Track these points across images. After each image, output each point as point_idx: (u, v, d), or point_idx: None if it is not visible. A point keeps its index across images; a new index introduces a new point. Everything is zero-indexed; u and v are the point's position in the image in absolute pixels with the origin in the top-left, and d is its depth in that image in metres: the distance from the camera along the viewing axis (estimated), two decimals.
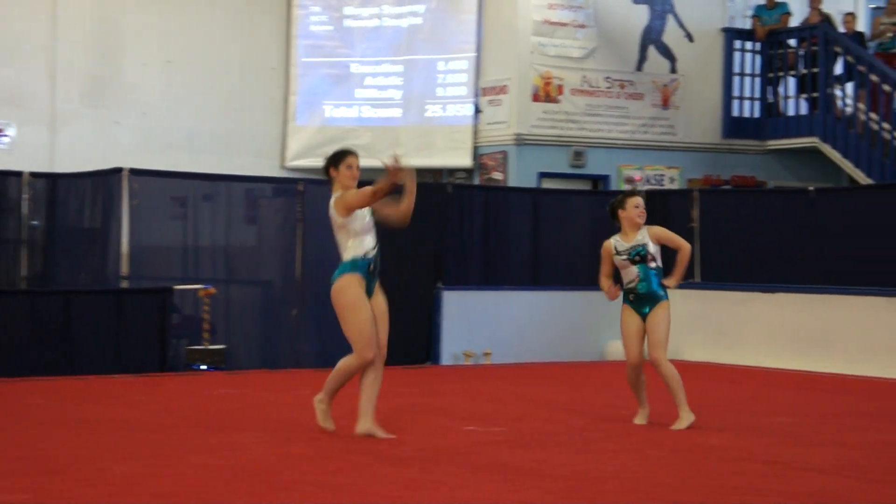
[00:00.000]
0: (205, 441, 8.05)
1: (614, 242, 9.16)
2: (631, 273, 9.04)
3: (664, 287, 9.00)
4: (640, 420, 9.17)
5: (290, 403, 10.38)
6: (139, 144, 16.21)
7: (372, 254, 8.23)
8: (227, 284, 13.47)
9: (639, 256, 8.99)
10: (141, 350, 12.55)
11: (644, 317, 9.03)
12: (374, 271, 8.24)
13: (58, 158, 15.71)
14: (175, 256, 13.43)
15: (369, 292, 8.21)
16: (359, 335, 8.10)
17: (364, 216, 8.25)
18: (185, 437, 8.26)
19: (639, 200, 9.14)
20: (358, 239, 8.20)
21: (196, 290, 13.08)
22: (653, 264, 9.00)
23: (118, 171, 13.19)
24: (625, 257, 9.05)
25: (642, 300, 9.01)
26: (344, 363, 8.25)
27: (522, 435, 8.57)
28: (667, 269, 9.07)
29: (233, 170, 14.93)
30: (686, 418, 8.91)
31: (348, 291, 8.13)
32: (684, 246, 9.02)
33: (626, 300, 9.13)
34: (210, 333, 13.00)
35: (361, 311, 8.11)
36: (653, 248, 9.02)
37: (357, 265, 8.16)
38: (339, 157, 8.38)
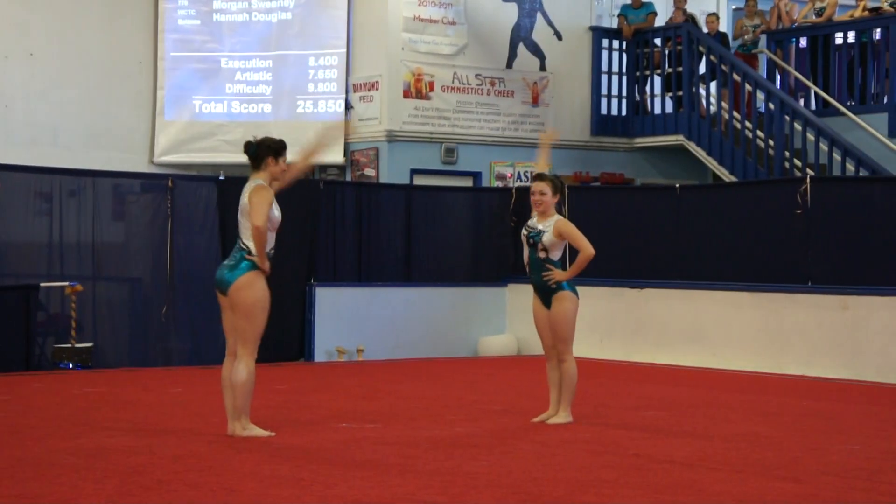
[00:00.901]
0: (71, 442, 7.90)
1: (530, 220, 9.00)
2: (525, 256, 8.99)
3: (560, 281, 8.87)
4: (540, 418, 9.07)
5: (157, 402, 10.25)
6: (2, 139, 15.84)
7: (272, 251, 8.09)
8: (94, 282, 13.27)
9: (532, 240, 8.88)
10: (5, 349, 12.30)
11: (548, 307, 8.93)
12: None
13: None
14: (40, 253, 13.17)
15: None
16: (259, 335, 7.96)
17: (279, 212, 8.07)
18: (50, 437, 8.09)
19: (535, 186, 8.94)
20: (269, 234, 8.00)
21: (62, 287, 12.85)
22: (542, 254, 8.85)
23: None
24: (525, 233, 8.96)
25: (537, 289, 8.94)
26: (244, 373, 7.89)
27: (394, 432, 8.59)
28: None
29: (100, 165, 14.67)
30: (564, 417, 8.97)
31: (257, 288, 7.93)
32: (585, 249, 8.80)
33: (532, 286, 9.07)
34: (77, 331, 12.79)
35: (267, 311, 7.98)
36: (547, 239, 8.81)
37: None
38: (282, 149, 8.12)
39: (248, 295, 7.91)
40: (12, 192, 12.95)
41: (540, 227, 8.89)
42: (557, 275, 8.87)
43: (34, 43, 16.34)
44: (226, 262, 8.12)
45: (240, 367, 7.94)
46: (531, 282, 9.02)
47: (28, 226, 13.14)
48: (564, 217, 9.09)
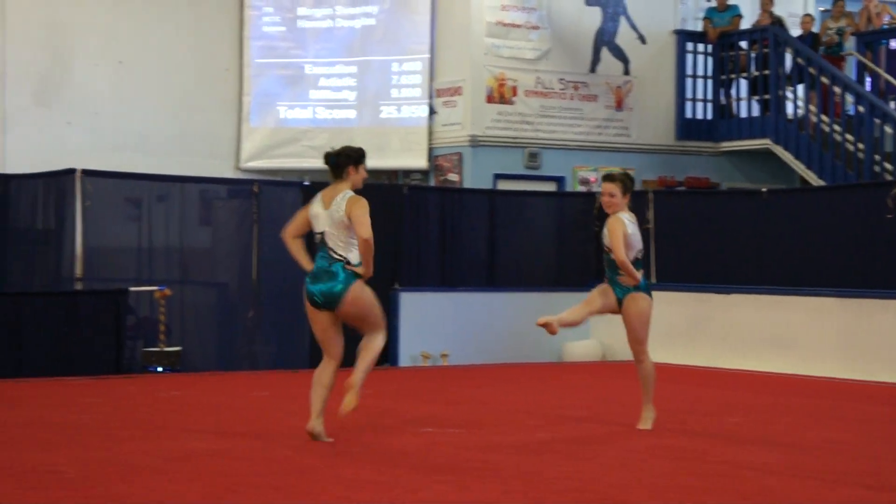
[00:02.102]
0: (158, 444, 8.03)
1: (625, 217, 8.83)
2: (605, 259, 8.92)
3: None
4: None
5: (243, 405, 10.37)
6: (91, 145, 16.12)
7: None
8: (182, 286, 13.44)
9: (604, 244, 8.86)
10: (96, 352, 12.49)
11: (619, 302, 8.84)
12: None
13: (9, 159, 15.60)
14: (130, 258, 13.38)
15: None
16: (382, 317, 8.32)
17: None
18: (138, 439, 8.23)
19: (605, 187, 8.84)
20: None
21: (151, 291, 13.04)
22: (611, 255, 8.76)
23: (71, 171, 13.13)
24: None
25: (612, 284, 8.87)
26: (380, 342, 8.29)
27: (477, 436, 8.60)
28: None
29: (187, 171, 14.89)
30: (648, 414, 8.91)
31: (367, 290, 8.19)
32: (617, 252, 8.63)
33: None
34: (165, 335, 12.97)
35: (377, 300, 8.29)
36: (605, 239, 8.78)
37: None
38: (362, 157, 8.23)
39: (364, 299, 8.12)
40: (102, 197, 13.17)
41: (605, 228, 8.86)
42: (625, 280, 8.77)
43: (123, 51, 16.62)
44: (317, 274, 8.09)
45: (377, 337, 8.26)
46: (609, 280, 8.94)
47: (117, 231, 13.35)
48: (630, 215, 8.87)
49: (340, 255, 8.03)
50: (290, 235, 8.35)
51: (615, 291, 8.86)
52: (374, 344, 8.25)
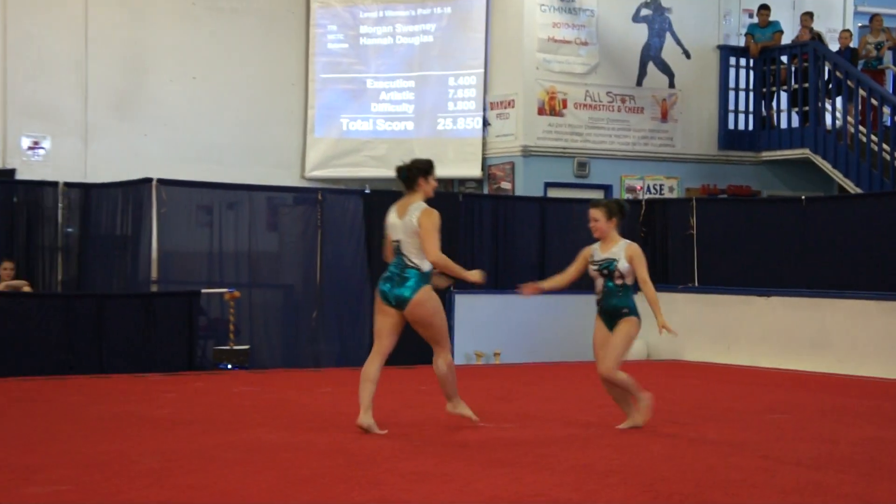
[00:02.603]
0: (229, 436, 8.10)
1: (593, 250, 8.63)
2: (598, 285, 8.58)
3: (632, 305, 8.51)
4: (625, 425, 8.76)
5: (308, 401, 10.44)
6: (166, 156, 16.28)
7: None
8: (250, 288, 13.54)
9: (607, 270, 8.51)
10: (170, 350, 12.63)
11: (611, 329, 8.57)
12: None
13: (90, 169, 15.79)
14: (201, 262, 13.50)
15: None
16: (446, 333, 8.36)
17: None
18: (211, 432, 8.31)
19: (590, 213, 8.57)
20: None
21: (222, 293, 13.15)
22: (619, 281, 8.48)
23: (147, 181, 13.28)
24: (595, 268, 8.57)
25: (607, 314, 8.55)
26: (443, 367, 8.39)
27: (530, 431, 8.60)
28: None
29: (255, 180, 15.03)
30: (636, 418, 8.70)
31: (433, 299, 8.23)
32: (648, 290, 8.39)
33: (597, 311, 8.66)
34: (235, 335, 13.07)
35: (443, 312, 8.37)
36: (623, 266, 8.45)
37: (430, 276, 8.26)
38: (431, 168, 8.32)
39: (426, 308, 8.16)
40: (176, 205, 13.30)
41: (608, 255, 8.52)
42: (660, 323, 8.47)
43: (196, 67, 16.77)
44: (389, 277, 8.19)
45: (438, 362, 8.36)
46: (600, 311, 8.59)
47: (191, 236, 13.49)
48: (637, 242, 8.78)
49: (414, 263, 8.10)
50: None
51: (608, 323, 8.56)
52: (441, 372, 8.43)
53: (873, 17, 17.28)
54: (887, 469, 7.21)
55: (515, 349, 14.48)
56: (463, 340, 14.24)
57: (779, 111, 17.53)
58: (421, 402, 10.18)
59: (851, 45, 17.20)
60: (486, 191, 16.68)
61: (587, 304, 14.85)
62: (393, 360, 13.88)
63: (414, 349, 11.80)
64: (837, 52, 16.92)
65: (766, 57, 17.42)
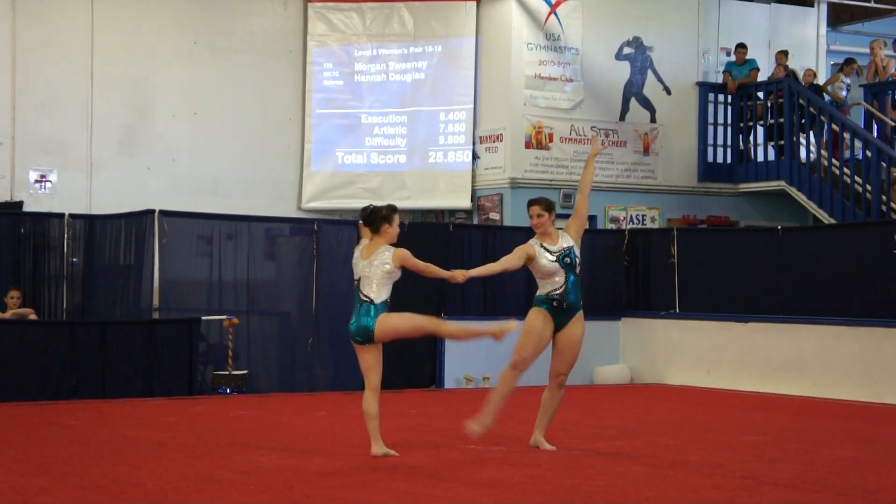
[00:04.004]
0: (228, 459, 8.05)
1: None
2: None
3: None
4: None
5: (304, 425, 10.38)
6: (168, 188, 16.26)
7: (556, 293, 8.40)
8: (248, 315, 13.50)
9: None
10: (171, 375, 12.56)
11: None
12: (558, 307, 8.41)
13: (95, 201, 15.74)
14: (201, 290, 13.45)
15: (561, 324, 8.46)
16: (519, 348, 8.56)
17: (549, 260, 8.36)
18: (210, 455, 8.25)
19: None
20: (543, 280, 8.44)
21: (221, 320, 13.11)
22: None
23: (150, 212, 13.25)
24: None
25: (566, 311, 8.36)
26: (441, 330, 8.63)
27: (518, 453, 8.56)
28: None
29: (254, 211, 14.98)
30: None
31: (528, 318, 8.51)
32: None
33: (546, 306, 8.38)
34: (234, 360, 13.01)
35: (529, 335, 8.50)
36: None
37: (539, 301, 8.47)
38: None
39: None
40: (178, 235, 13.28)
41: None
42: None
43: (198, 103, 16.77)
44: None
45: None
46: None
47: (191, 265, 13.45)
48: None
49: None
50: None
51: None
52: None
53: (848, 62, 17.37)
54: (862, 489, 7.18)
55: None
56: (453, 365, 14.19)
57: (756, 145, 17.57)
58: (411, 425, 10.12)
59: (816, 82, 17.30)
60: (475, 221, 16.66)
61: None
62: (387, 384, 13.85)
63: (405, 373, 11.76)
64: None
65: (743, 93, 17.47)
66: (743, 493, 6.92)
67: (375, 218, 8.26)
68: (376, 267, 8.13)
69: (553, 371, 8.60)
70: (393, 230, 8.28)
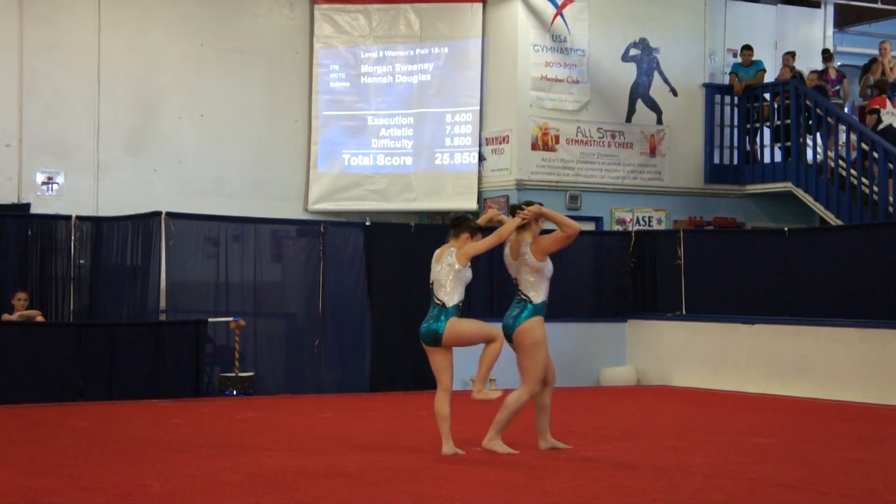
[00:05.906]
0: (234, 461, 8.06)
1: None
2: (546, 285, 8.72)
3: None
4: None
5: (310, 426, 10.40)
6: (175, 190, 16.28)
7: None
8: (255, 317, 13.51)
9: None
10: (177, 377, 12.59)
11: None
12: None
13: (102, 203, 15.77)
14: (208, 291, 13.47)
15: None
16: (536, 371, 8.59)
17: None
18: (217, 456, 8.27)
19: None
20: (545, 283, 8.59)
21: (227, 322, 13.13)
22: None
23: (156, 214, 13.27)
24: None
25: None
26: (514, 398, 8.58)
27: (524, 454, 8.56)
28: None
29: (260, 213, 15.02)
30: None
31: (537, 331, 8.54)
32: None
33: (545, 313, 8.62)
34: (240, 362, 13.03)
35: (544, 350, 8.58)
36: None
37: (544, 308, 8.56)
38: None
39: (527, 337, 8.57)
40: (184, 237, 13.30)
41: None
42: None
43: (204, 105, 16.79)
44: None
45: (513, 393, 8.58)
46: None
47: (198, 267, 13.46)
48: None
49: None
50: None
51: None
52: (513, 397, 8.68)
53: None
54: (868, 490, 7.18)
55: (511, 375, 14.39)
56: (459, 367, 14.08)
57: (762, 146, 17.56)
58: (419, 427, 10.14)
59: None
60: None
61: (583, 331, 14.99)
62: (394, 385, 13.90)
63: (415, 373, 11.78)
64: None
65: (749, 95, 17.47)
66: (749, 495, 6.93)
67: (461, 223, 8.50)
68: (446, 268, 8.33)
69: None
70: (470, 245, 8.37)
